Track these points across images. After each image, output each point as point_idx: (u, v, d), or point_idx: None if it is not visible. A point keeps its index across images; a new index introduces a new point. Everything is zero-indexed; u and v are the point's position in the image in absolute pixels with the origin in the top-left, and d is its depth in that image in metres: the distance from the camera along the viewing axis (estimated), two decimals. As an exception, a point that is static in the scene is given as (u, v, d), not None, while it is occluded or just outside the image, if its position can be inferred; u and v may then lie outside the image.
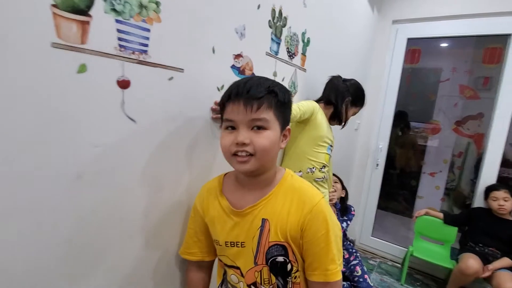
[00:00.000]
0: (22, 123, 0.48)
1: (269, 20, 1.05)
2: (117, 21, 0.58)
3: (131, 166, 0.67)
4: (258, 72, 1.04)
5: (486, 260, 1.77)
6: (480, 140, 2.70)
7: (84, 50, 0.54)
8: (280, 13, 1.10)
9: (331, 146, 1.33)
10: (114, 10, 0.57)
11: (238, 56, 0.93)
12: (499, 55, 2.26)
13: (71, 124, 0.54)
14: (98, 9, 0.55)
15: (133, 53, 0.63)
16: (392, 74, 2.35)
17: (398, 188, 3.31)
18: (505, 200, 1.82)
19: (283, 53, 1.18)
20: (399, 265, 2.31)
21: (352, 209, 1.79)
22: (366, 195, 2.53)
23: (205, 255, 0.74)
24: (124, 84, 0.62)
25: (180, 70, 0.74)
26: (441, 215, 2.13)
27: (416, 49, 2.60)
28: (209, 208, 0.70)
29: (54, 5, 0.48)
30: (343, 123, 1.36)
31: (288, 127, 0.64)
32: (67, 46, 0.51)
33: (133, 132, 0.66)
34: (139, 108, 0.66)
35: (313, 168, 1.25)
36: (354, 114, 1.42)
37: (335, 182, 1.77)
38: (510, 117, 1.94)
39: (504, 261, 1.72)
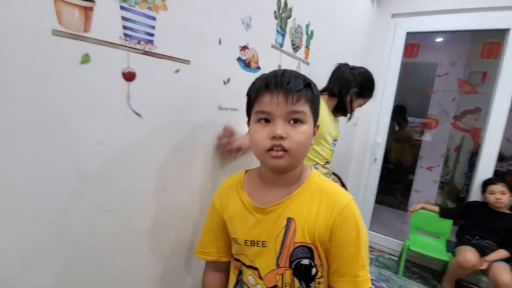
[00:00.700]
0: (21, 118, 0.44)
1: (275, 11, 1.01)
2: (122, 7, 0.54)
3: (136, 164, 0.64)
4: (263, 66, 1.00)
5: (482, 252, 1.80)
6: (477, 135, 2.74)
7: (87, 39, 0.50)
8: (286, 3, 1.06)
9: (335, 140, 1.30)
10: (119, -5, 0.53)
11: (244, 48, 0.90)
12: (497, 49, 2.27)
13: (73, 119, 0.50)
14: (102, -6, 0.50)
15: (139, 43, 0.59)
16: (391, 68, 2.34)
17: (395, 183, 3.34)
18: (502, 194, 1.85)
19: (287, 46, 1.14)
20: (396, 258, 2.34)
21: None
22: (364, 189, 2.54)
23: (222, 255, 0.70)
24: (129, 76, 0.58)
25: (187, 62, 0.70)
26: (437, 208, 2.16)
27: (415, 43, 2.60)
28: (229, 204, 0.66)
29: (55, -12, 0.44)
30: (348, 116, 1.30)
31: (318, 123, 0.61)
32: (69, 34, 0.47)
33: (138, 128, 0.62)
34: (145, 102, 0.62)
35: (316, 164, 1.23)
36: (360, 106, 1.31)
37: (334, 181, 1.76)
38: (507, 112, 1.96)
39: (500, 253, 1.75)
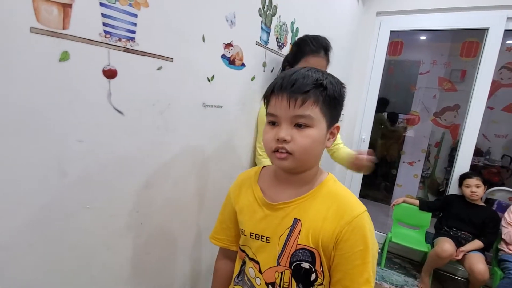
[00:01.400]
0: (0, 116, 0.44)
1: (259, 8, 1.02)
2: (101, 4, 0.54)
3: (119, 161, 0.64)
4: (248, 63, 1.01)
5: (459, 243, 1.89)
6: (456, 131, 2.85)
7: (66, 36, 0.50)
8: (270, 1, 1.07)
9: None
10: (98, -8, 0.53)
11: (228, 45, 0.90)
12: (476, 48, 2.35)
13: (53, 116, 0.50)
14: (81, -9, 0.50)
15: (120, 40, 0.59)
16: (376, 65, 2.39)
17: (378, 177, 3.44)
18: (477, 187, 1.94)
19: (272, 43, 1.15)
20: (379, 250, 2.42)
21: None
22: (349, 184, 2.60)
23: (232, 244, 0.71)
24: (110, 73, 0.58)
25: (170, 59, 0.71)
26: (417, 202, 2.25)
27: (399, 41, 2.66)
28: (241, 196, 0.67)
29: (31, -15, 0.44)
30: None
31: (337, 124, 0.59)
32: (48, 31, 0.47)
33: (120, 125, 0.62)
34: (126, 99, 0.62)
35: None
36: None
37: None
38: (483, 109, 2.05)
39: (476, 243, 1.85)
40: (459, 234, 1.95)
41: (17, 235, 0.49)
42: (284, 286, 0.59)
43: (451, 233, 1.98)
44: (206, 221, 0.98)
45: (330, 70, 1.28)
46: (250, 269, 0.64)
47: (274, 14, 1.12)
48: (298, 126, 0.53)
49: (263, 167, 0.70)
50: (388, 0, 2.29)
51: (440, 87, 2.95)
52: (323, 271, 0.57)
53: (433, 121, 2.97)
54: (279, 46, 1.21)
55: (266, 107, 0.58)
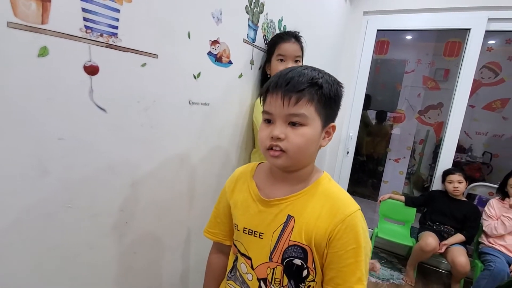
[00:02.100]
0: (-27, 113, 0.42)
1: (246, 6, 1.02)
2: (82, -1, 0.53)
3: (102, 159, 0.63)
4: (235, 60, 1.01)
5: (442, 237, 1.96)
6: (439, 128, 2.93)
7: (45, 31, 0.48)
8: (257, -2, 1.07)
9: None
10: (78, -14, 0.52)
11: (215, 42, 0.90)
12: (458, 48, 2.42)
13: (32, 113, 0.49)
14: (60, -15, 0.49)
15: (101, 35, 0.57)
16: (363, 64, 2.43)
17: (365, 174, 3.50)
18: (459, 183, 2.01)
19: (260, 41, 1.15)
20: (366, 245, 2.47)
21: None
22: (337, 181, 2.63)
23: (226, 238, 0.72)
24: (92, 70, 0.57)
25: (154, 55, 0.70)
26: (402, 198, 2.31)
27: (385, 40, 2.70)
28: (236, 190, 0.67)
29: (6, -22, 0.42)
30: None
31: (333, 124, 0.60)
32: (26, 26, 0.46)
33: (103, 123, 0.61)
34: (109, 96, 0.61)
35: None
36: (283, 57, 1.11)
37: None
38: (465, 107, 2.12)
39: (458, 237, 1.92)
40: (442, 228, 2.01)
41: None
42: (276, 282, 0.60)
43: (435, 227, 2.04)
44: (193, 219, 0.98)
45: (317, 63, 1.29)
46: (242, 265, 0.64)
47: (261, 12, 1.12)
48: (293, 124, 0.53)
49: (260, 163, 0.70)
50: (375, 0, 2.33)
51: (424, 86, 3.03)
52: (315, 268, 0.57)
53: (417, 119, 3.05)
54: (266, 44, 1.21)
55: (263, 105, 0.58)
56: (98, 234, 0.66)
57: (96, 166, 0.62)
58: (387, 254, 2.37)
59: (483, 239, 1.92)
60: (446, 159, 2.20)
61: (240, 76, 1.07)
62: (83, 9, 0.53)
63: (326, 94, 0.54)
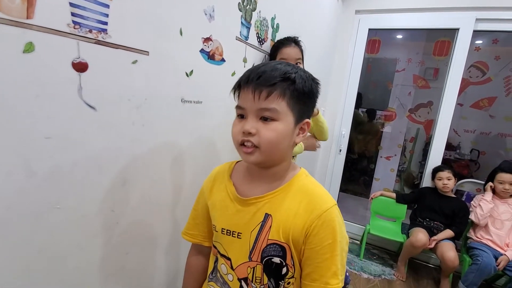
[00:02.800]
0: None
1: (239, 3, 1.01)
2: (69, -7, 0.51)
3: (92, 158, 0.62)
4: (228, 58, 1.00)
5: (431, 232, 2.00)
6: (429, 126, 2.98)
7: (30, 26, 0.47)
8: (250, -4, 1.06)
9: None
10: (65, -20, 0.50)
11: (207, 39, 0.89)
12: (447, 48, 2.47)
13: (18, 111, 0.47)
14: (46, -22, 0.47)
15: (90, 31, 0.56)
16: (354, 63, 2.45)
17: (357, 172, 3.54)
18: (448, 179, 2.05)
19: (253, 39, 1.15)
20: (358, 242, 2.51)
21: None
22: (330, 178, 2.66)
23: (205, 240, 0.70)
24: (81, 66, 0.55)
25: (145, 52, 0.68)
26: (394, 195, 2.34)
27: (376, 39, 2.73)
28: (214, 190, 0.66)
29: (-12, -31, 0.41)
30: None
31: (307, 120, 0.58)
32: (10, 21, 0.44)
33: (92, 121, 0.60)
34: (99, 94, 0.60)
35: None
36: (285, 60, 1.17)
37: None
38: (454, 106, 2.16)
39: (447, 232, 1.96)
40: (432, 224, 2.06)
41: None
42: (256, 281, 0.60)
43: (425, 223, 2.08)
44: (186, 219, 0.96)
45: (311, 66, 1.30)
46: (222, 266, 0.64)
47: (254, 9, 1.11)
48: (264, 119, 0.53)
49: (237, 161, 0.69)
50: (366, -1, 2.35)
51: (415, 85, 3.08)
52: (293, 265, 0.57)
53: (408, 117, 3.10)
54: (259, 41, 1.20)
55: (236, 100, 0.58)
56: (88, 235, 0.64)
57: (85, 165, 0.60)
58: (379, 250, 2.41)
59: (471, 234, 1.97)
60: (435, 156, 2.25)
61: (233, 74, 1.06)
62: (71, 4, 0.52)
63: (299, 89, 0.53)
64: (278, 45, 1.23)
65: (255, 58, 1.19)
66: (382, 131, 3.29)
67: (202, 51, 0.88)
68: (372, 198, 2.38)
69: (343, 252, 0.56)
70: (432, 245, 1.92)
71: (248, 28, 1.10)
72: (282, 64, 0.54)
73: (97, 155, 0.62)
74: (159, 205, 0.84)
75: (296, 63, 1.16)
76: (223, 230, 0.62)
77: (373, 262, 2.22)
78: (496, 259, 1.74)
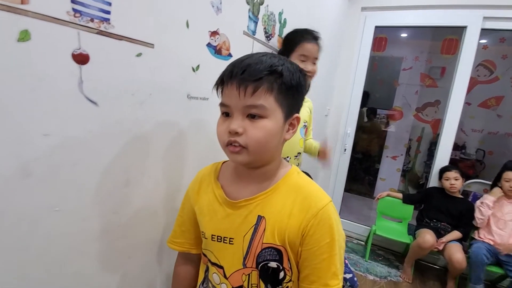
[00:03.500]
0: None
1: (246, -4, 0.97)
2: (69, -22, 0.47)
3: (93, 157, 0.58)
4: (235, 53, 0.96)
5: (438, 234, 1.96)
6: (436, 126, 2.94)
7: (26, 13, 0.43)
8: (258, -12, 1.02)
9: (304, 126, 1.29)
10: (64, -37, 0.46)
11: (214, 33, 0.85)
12: (455, 46, 2.42)
13: (12, 106, 0.43)
14: (43, -40, 0.43)
15: (92, 20, 0.52)
16: (361, 60, 2.40)
17: (362, 171, 3.50)
18: (456, 180, 2.01)
19: (260, 34, 1.10)
20: (363, 243, 2.46)
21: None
22: (334, 178, 2.62)
23: (193, 247, 0.66)
24: (81, 58, 0.51)
25: (150, 45, 0.64)
26: (400, 195, 2.30)
27: (383, 37, 2.68)
28: (200, 194, 0.61)
29: None
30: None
31: (297, 115, 0.55)
32: (3, 6, 0.40)
33: (94, 117, 0.56)
34: (101, 88, 0.56)
35: (287, 157, 1.22)
36: (305, 56, 1.11)
37: None
38: (462, 105, 2.11)
39: (454, 234, 1.92)
40: (439, 225, 2.02)
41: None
42: (253, 287, 0.56)
43: (432, 224, 2.04)
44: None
45: (319, 64, 1.26)
46: (214, 275, 0.59)
47: (261, 3, 1.07)
48: (251, 117, 0.49)
49: (224, 162, 0.65)
50: (373, -4, 2.30)
51: (421, 83, 3.03)
52: (291, 268, 0.54)
53: (415, 116, 3.06)
54: (266, 37, 1.16)
55: (220, 97, 0.53)
56: (88, 238, 0.61)
57: (85, 164, 0.56)
58: (385, 251, 2.37)
59: (475, 234, 1.94)
60: (443, 156, 2.20)
61: (240, 70, 1.02)
62: (71, -10, 0.48)
63: (287, 83, 0.49)
64: (299, 39, 1.10)
65: (262, 53, 1.15)
66: (386, 131, 3.25)
67: (209, 45, 0.84)
68: (378, 198, 2.34)
69: (341, 250, 0.54)
70: (441, 247, 1.89)
71: (256, 23, 1.06)
72: (267, 55, 0.50)
73: (97, 154, 0.58)
74: (163, 207, 0.80)
75: (313, 63, 1.12)
76: (213, 236, 0.57)
77: (378, 263, 2.18)
78: (494, 254, 1.74)
